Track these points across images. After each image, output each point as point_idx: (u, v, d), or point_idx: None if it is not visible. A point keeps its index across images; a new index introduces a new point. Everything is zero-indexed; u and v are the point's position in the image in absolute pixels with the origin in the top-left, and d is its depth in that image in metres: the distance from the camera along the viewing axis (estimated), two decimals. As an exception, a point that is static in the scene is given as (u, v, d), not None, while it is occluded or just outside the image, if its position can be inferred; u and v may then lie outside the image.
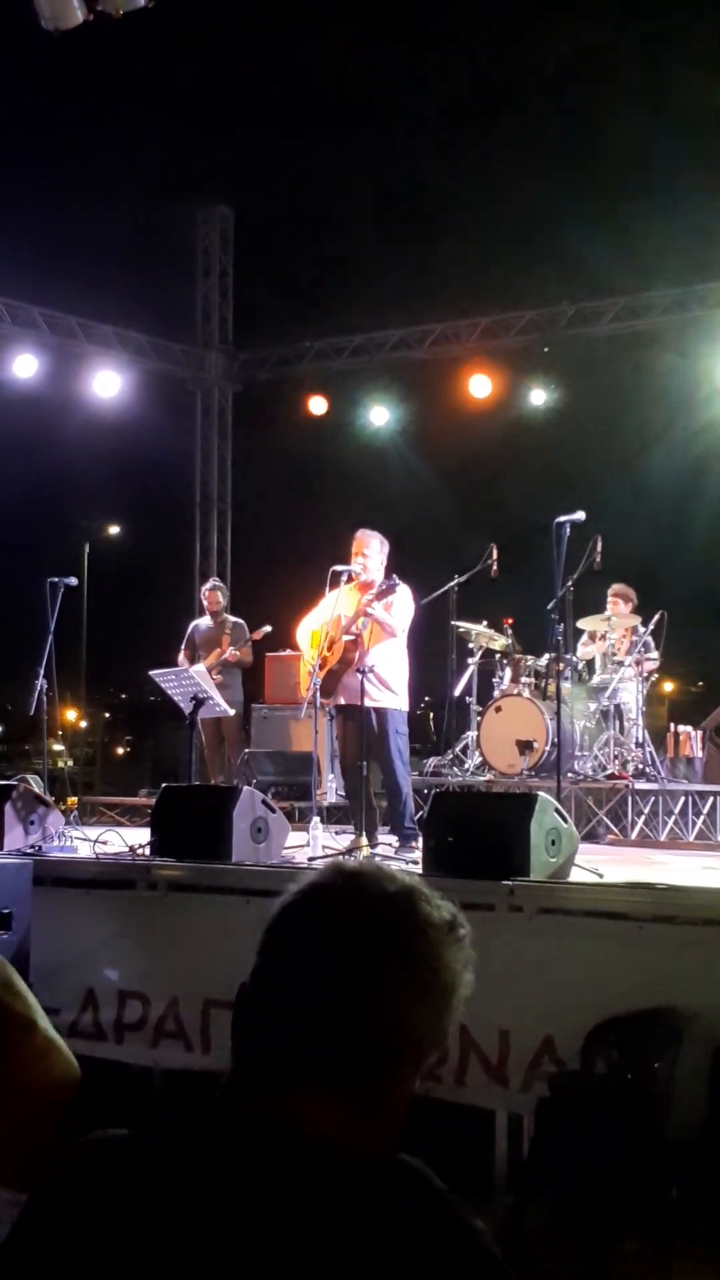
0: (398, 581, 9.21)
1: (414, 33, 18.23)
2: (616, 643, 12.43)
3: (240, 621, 12.74)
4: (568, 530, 9.32)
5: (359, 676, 9.01)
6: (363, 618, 9.16)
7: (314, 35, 16.92)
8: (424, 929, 1.74)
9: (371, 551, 9.50)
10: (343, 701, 9.40)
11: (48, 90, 17.03)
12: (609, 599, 12.58)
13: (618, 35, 17.87)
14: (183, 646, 12.88)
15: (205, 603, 13.09)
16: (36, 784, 10.14)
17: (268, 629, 12.60)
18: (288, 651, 13.63)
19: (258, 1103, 1.67)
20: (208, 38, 15.87)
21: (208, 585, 13.41)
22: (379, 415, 17.58)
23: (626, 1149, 5.13)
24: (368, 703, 9.13)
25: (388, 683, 9.29)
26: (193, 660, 12.50)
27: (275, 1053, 1.70)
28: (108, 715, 46.77)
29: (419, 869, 7.08)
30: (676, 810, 11.63)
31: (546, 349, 16.56)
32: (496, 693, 12.28)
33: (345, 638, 9.30)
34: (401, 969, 1.71)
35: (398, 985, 1.70)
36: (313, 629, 9.57)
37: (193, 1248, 1.59)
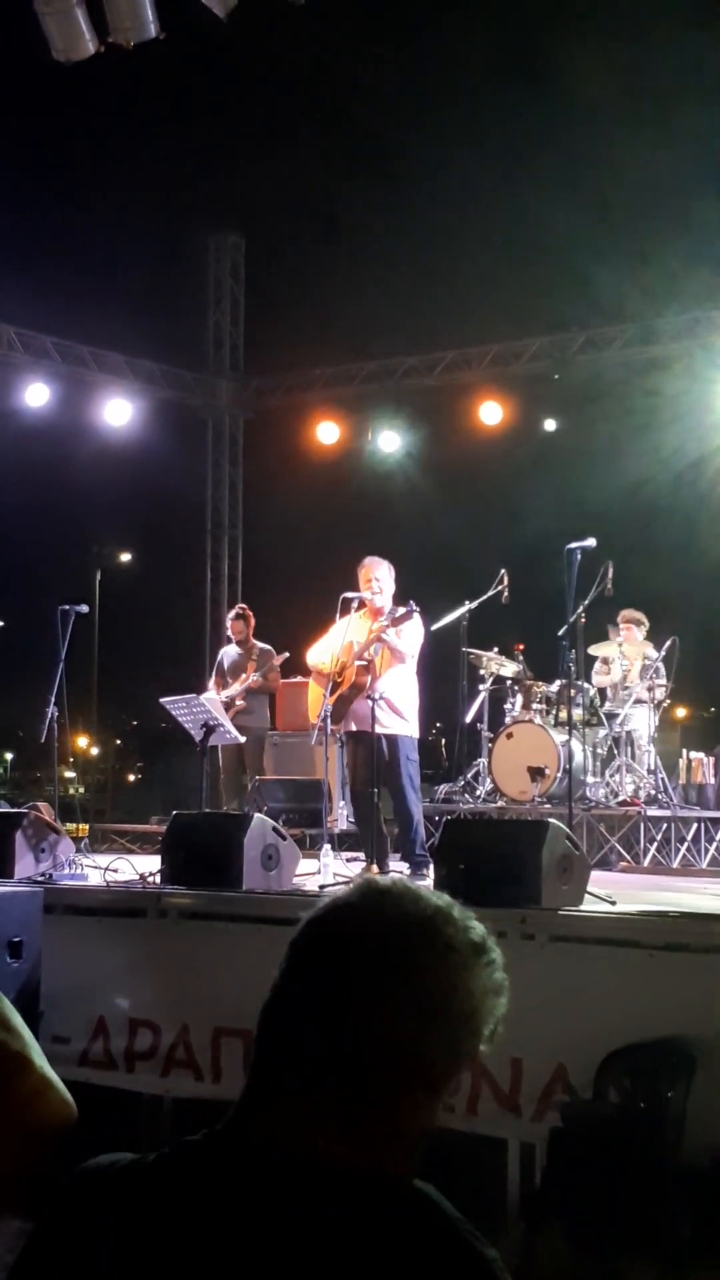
0: (416, 607, 9.23)
1: (424, 59, 18.34)
2: (628, 669, 12.42)
3: (267, 647, 12.71)
4: (578, 556, 9.32)
5: (370, 703, 9.01)
6: (376, 644, 9.17)
7: (324, 63, 17.00)
8: (443, 951, 1.72)
9: (381, 576, 9.51)
10: (354, 728, 9.40)
11: (59, 120, 17.14)
12: (620, 625, 12.59)
13: (626, 59, 17.94)
14: (213, 674, 12.88)
15: (230, 632, 13.08)
16: (48, 811, 10.14)
17: (285, 655, 12.58)
18: (298, 678, 13.63)
19: (268, 1118, 1.66)
20: (218, 67, 15.96)
21: (231, 615, 13.38)
22: (390, 442, 17.60)
23: (639, 1178, 5.10)
24: (379, 729, 9.13)
25: (399, 709, 9.29)
26: (223, 687, 12.51)
27: (287, 1067, 1.69)
28: (119, 742, 46.81)
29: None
30: (689, 837, 11.60)
31: (557, 375, 16.58)
32: (508, 719, 12.26)
33: (357, 663, 9.30)
34: (414, 990, 1.69)
35: (409, 1006, 1.68)
36: (323, 655, 9.58)
37: (198, 1269, 1.58)
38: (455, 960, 1.73)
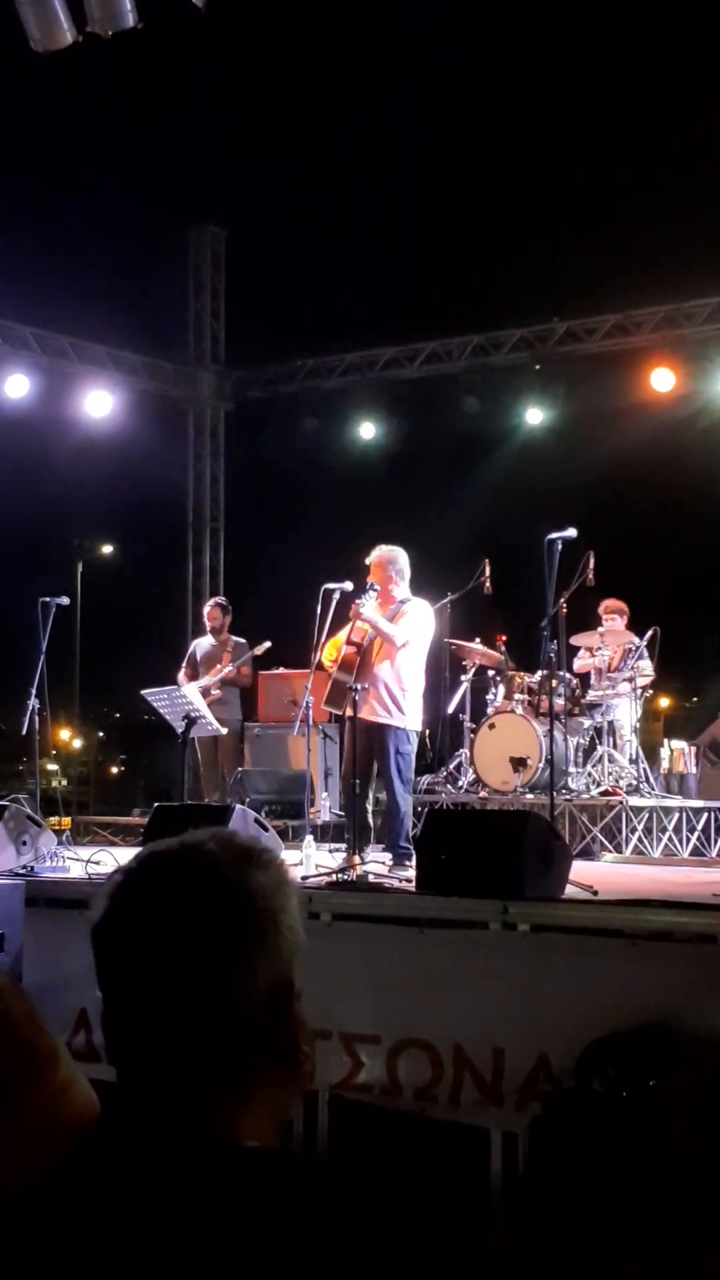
0: (412, 601, 9.30)
1: (406, 53, 18.31)
2: (611, 658, 12.45)
3: (242, 641, 12.69)
4: (559, 547, 9.32)
5: (364, 691, 9.02)
6: (369, 629, 9.21)
7: (305, 53, 16.97)
8: (227, 895, 1.67)
9: (393, 569, 9.53)
10: (346, 712, 9.38)
11: (38, 110, 17.06)
12: (602, 615, 12.61)
13: (615, 54, 17.97)
14: (184, 665, 12.84)
15: (207, 620, 13.03)
16: (29, 804, 10.12)
17: (268, 644, 12.56)
18: (280, 669, 13.63)
19: (134, 1106, 1.64)
20: (197, 57, 15.90)
21: (210, 603, 13.36)
22: (370, 433, 17.58)
23: (623, 1167, 5.11)
24: (372, 718, 9.14)
25: (396, 700, 9.27)
26: (193, 678, 12.48)
27: (134, 1056, 1.66)
28: (101, 734, 46.76)
29: (413, 887, 7.06)
30: (670, 826, 11.62)
31: (538, 366, 16.58)
32: (490, 710, 12.28)
33: (346, 648, 9.30)
34: (212, 949, 1.64)
35: (216, 973, 1.64)
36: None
37: (82, 1266, 1.54)
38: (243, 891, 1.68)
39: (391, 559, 9.58)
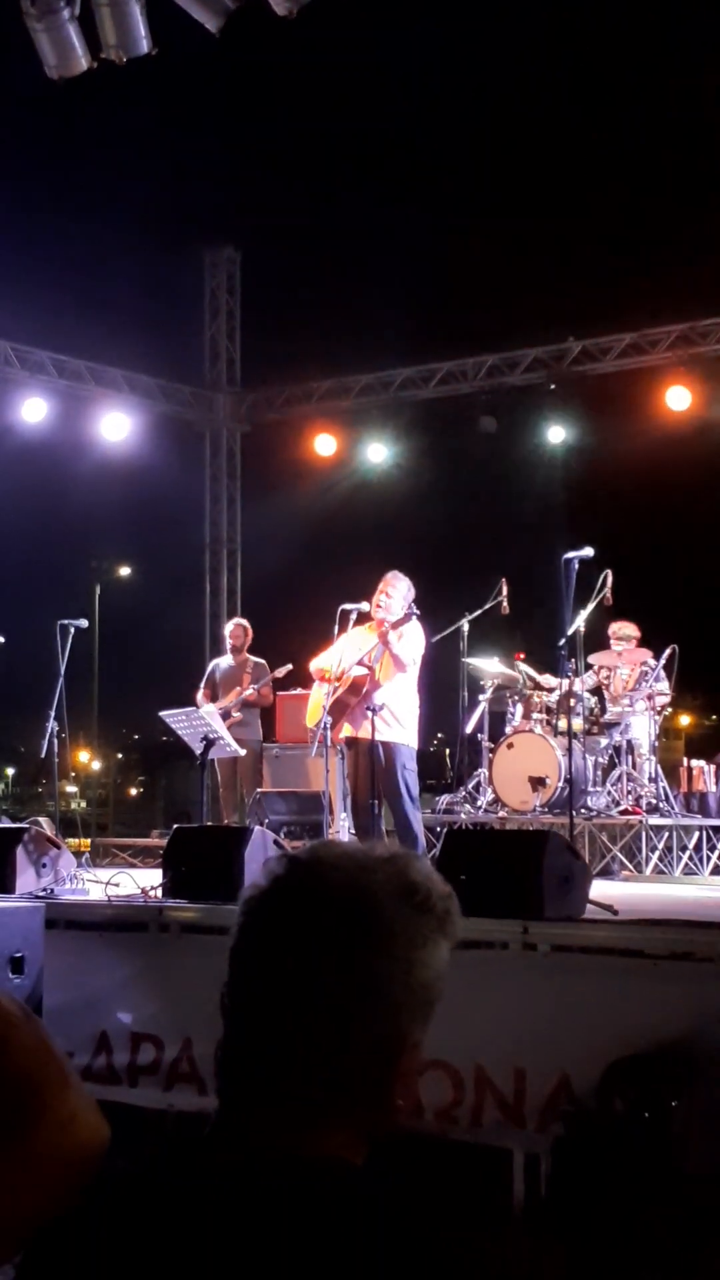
0: (416, 611, 9.29)
1: (420, 74, 18.40)
2: (628, 678, 12.42)
3: (261, 661, 12.69)
4: (576, 566, 9.32)
5: (370, 713, 9.03)
6: (378, 647, 9.21)
7: (317, 76, 17.06)
8: (382, 927, 1.64)
9: (395, 592, 9.56)
10: (352, 734, 9.39)
11: (55, 135, 17.20)
12: (610, 638, 12.57)
13: (629, 75, 18.03)
14: (202, 685, 12.84)
15: (230, 639, 13.03)
16: (48, 826, 10.13)
17: (289, 667, 12.55)
18: (298, 690, 13.63)
19: (241, 1124, 1.63)
20: (213, 82, 16.02)
21: (232, 622, 13.34)
22: (387, 454, 17.59)
23: (645, 1188, 5.09)
24: (376, 737, 9.14)
25: (398, 718, 9.31)
26: (212, 698, 12.48)
27: (249, 1072, 1.65)
28: (120, 756, 46.87)
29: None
30: (691, 845, 11.58)
31: (554, 386, 16.58)
32: (508, 729, 12.26)
33: (356, 670, 9.32)
34: (355, 975, 1.62)
35: (353, 996, 1.62)
36: (325, 665, 9.61)
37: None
38: (386, 933, 1.65)
39: (396, 580, 9.63)
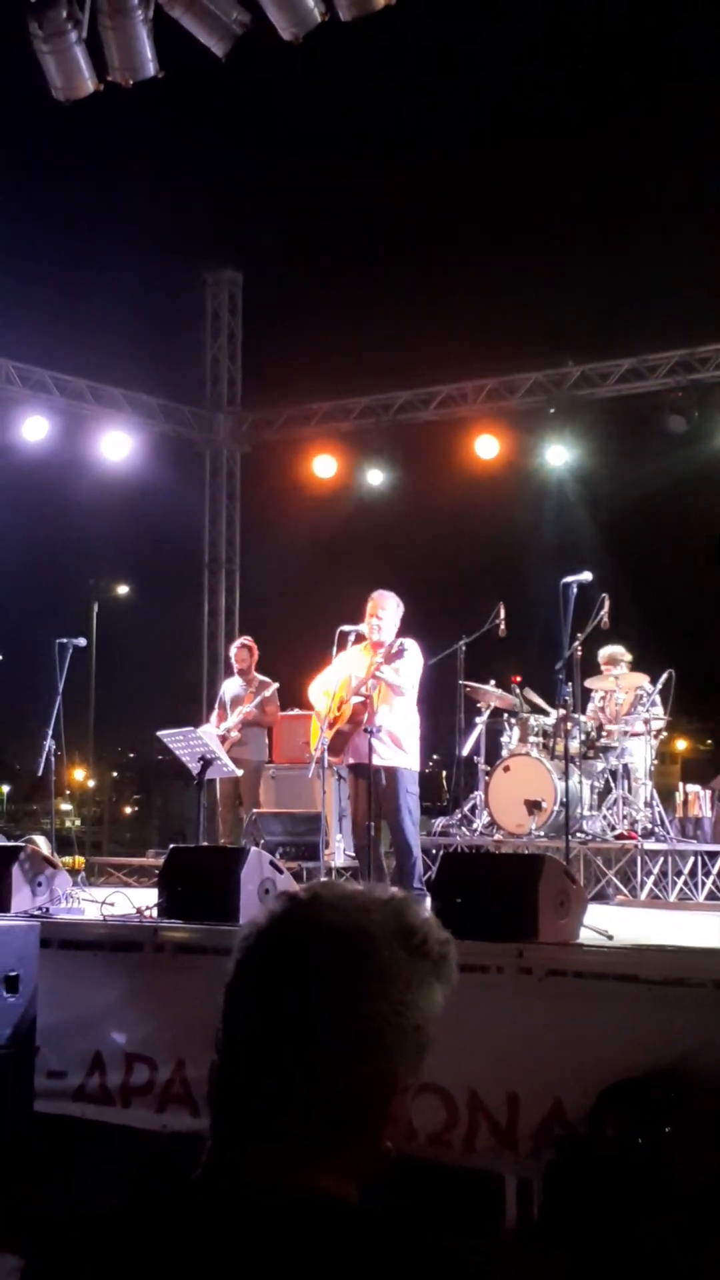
0: (405, 644, 9.27)
1: (419, 96, 18.48)
2: (624, 703, 12.42)
3: (267, 680, 12.70)
4: (574, 590, 9.34)
5: (368, 736, 9.03)
6: (372, 680, 9.21)
7: (320, 100, 17.13)
8: (379, 969, 1.65)
9: (386, 613, 9.55)
10: (353, 761, 9.42)
11: (58, 155, 17.26)
12: (601, 665, 12.58)
13: (626, 98, 18.11)
14: (215, 707, 12.85)
15: (234, 662, 13.00)
16: (44, 845, 10.12)
17: (275, 686, 12.57)
18: (296, 711, 13.62)
19: (236, 1160, 1.63)
20: (216, 104, 16.08)
21: (236, 644, 13.31)
22: (386, 476, 17.60)
23: (637, 1214, 5.08)
24: (378, 761, 9.15)
25: (398, 741, 9.31)
26: (225, 720, 12.51)
27: (245, 1108, 1.65)
28: (115, 774, 46.77)
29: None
30: (686, 870, 11.58)
31: (553, 410, 16.62)
32: (504, 752, 12.26)
33: (354, 699, 9.33)
34: (354, 1015, 1.63)
35: (354, 1034, 1.63)
36: (325, 689, 9.61)
37: None
38: (393, 973, 1.66)
39: (384, 599, 9.63)
